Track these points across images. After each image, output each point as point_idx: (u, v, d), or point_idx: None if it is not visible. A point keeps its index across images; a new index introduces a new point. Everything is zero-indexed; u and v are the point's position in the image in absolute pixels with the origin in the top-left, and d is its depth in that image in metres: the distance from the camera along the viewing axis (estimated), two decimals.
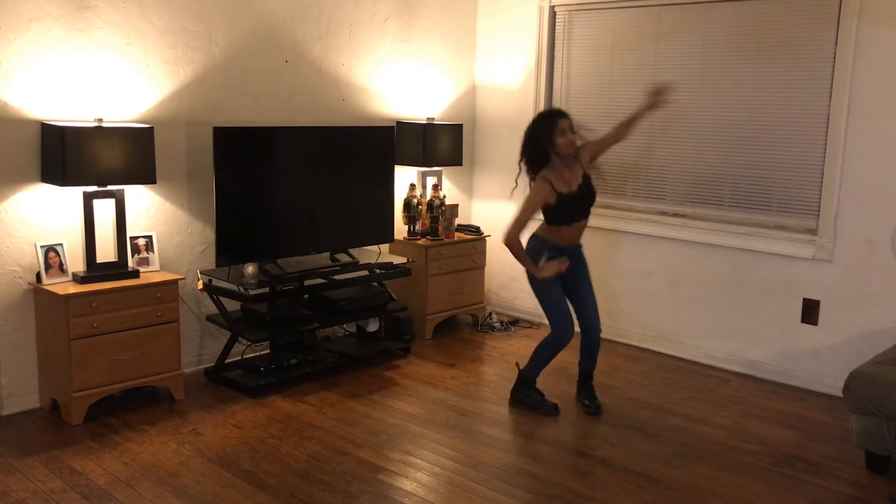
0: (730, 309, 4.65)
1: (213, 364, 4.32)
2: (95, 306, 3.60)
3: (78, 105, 3.76)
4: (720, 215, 4.66)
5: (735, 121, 4.55)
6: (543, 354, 3.97)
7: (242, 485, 3.12)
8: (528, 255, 3.72)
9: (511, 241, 3.63)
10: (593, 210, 5.35)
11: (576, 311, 3.95)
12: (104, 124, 3.62)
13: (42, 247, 3.67)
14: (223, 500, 3.01)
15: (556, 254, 3.75)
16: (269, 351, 4.53)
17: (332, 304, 4.46)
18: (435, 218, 5.15)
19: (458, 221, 5.30)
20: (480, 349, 4.97)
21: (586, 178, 3.78)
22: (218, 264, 4.13)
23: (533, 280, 3.80)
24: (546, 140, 3.67)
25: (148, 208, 4.08)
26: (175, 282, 3.89)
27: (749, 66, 4.46)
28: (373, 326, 4.82)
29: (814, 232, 4.31)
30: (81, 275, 3.68)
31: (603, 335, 5.15)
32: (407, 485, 3.17)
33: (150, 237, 3.99)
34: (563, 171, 3.72)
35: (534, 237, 3.86)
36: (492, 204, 5.61)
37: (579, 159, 3.77)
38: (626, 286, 5.10)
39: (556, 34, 5.30)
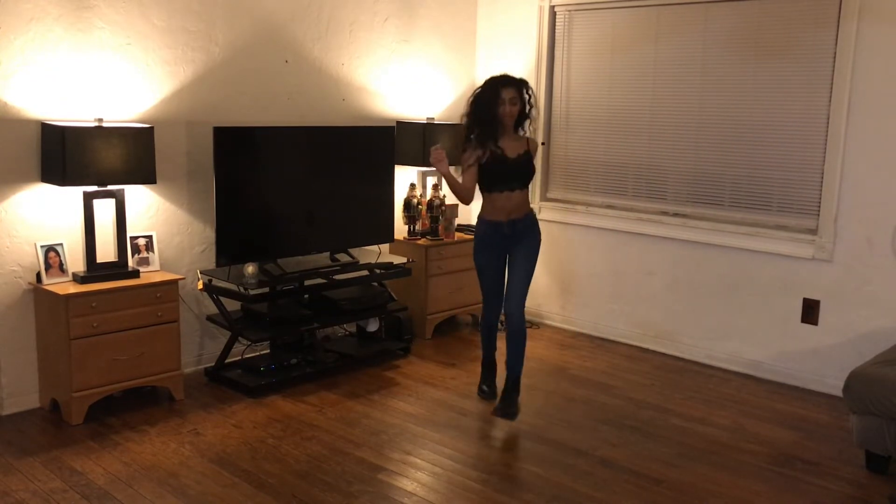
0: (730, 309, 4.65)
1: (213, 364, 4.31)
2: (95, 306, 3.60)
3: (78, 105, 3.76)
4: (720, 215, 4.66)
5: (735, 121, 4.55)
6: (481, 335, 4.11)
7: (242, 485, 3.12)
8: (475, 240, 3.92)
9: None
10: (595, 210, 5.35)
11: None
12: (104, 124, 3.63)
13: (42, 247, 3.67)
14: (223, 500, 3.01)
15: (493, 231, 3.79)
16: (269, 351, 4.53)
17: (332, 304, 4.46)
18: (435, 218, 5.15)
19: (458, 221, 5.30)
20: (480, 349, 4.96)
21: (527, 156, 3.78)
22: (218, 264, 4.13)
23: (474, 254, 3.92)
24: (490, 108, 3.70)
25: (148, 208, 4.08)
26: (175, 282, 3.89)
27: (749, 66, 4.46)
28: (373, 326, 4.82)
29: (814, 232, 4.31)
30: (81, 275, 3.68)
31: (604, 335, 5.21)
32: (407, 485, 3.17)
33: (150, 237, 3.99)
34: (506, 138, 3.74)
35: (477, 219, 3.92)
36: None
37: (529, 145, 3.81)
38: (626, 286, 5.10)
39: (556, 34, 5.30)
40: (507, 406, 3.76)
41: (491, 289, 3.92)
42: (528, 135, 3.87)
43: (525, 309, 3.85)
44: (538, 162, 5.39)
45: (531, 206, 3.93)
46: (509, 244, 3.83)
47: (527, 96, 3.72)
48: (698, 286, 4.77)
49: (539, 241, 3.89)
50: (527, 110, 3.76)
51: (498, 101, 3.65)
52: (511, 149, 3.72)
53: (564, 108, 5.33)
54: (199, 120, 4.18)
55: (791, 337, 4.42)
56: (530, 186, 3.92)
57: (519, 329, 3.81)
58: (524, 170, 3.76)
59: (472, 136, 3.72)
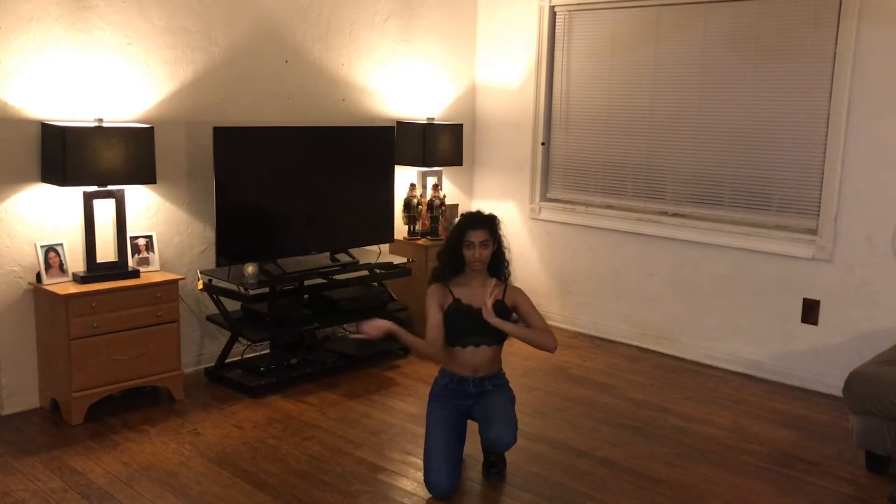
0: (730, 309, 4.65)
1: (213, 364, 4.32)
2: (95, 306, 3.60)
3: (78, 105, 3.76)
4: (720, 215, 4.66)
5: (735, 121, 4.55)
6: None
7: (242, 485, 3.12)
8: (432, 389, 3.32)
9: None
10: (595, 210, 5.33)
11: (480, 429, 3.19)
12: (104, 124, 3.62)
13: (42, 247, 3.67)
14: (223, 500, 3.01)
15: (456, 386, 3.22)
16: (269, 351, 4.53)
17: (332, 304, 4.46)
18: (435, 218, 5.15)
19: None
20: None
21: (499, 304, 3.17)
22: (218, 264, 4.13)
23: (428, 404, 3.29)
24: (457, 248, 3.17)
25: (148, 208, 4.08)
26: (175, 282, 3.89)
27: (749, 66, 4.46)
28: None
29: (814, 232, 4.31)
30: (81, 275, 3.68)
31: (604, 335, 5.22)
32: (407, 485, 3.18)
33: (150, 237, 3.99)
34: (471, 283, 3.20)
35: (440, 369, 3.34)
36: (492, 204, 5.61)
37: (507, 292, 3.23)
38: (626, 286, 5.10)
39: (556, 34, 5.30)
40: (501, 469, 3.30)
41: (439, 450, 3.09)
42: (508, 280, 3.28)
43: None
44: (537, 163, 5.42)
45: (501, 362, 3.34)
46: (473, 403, 3.21)
47: (500, 234, 3.21)
48: (698, 286, 4.77)
49: (513, 396, 3.29)
50: (501, 250, 3.24)
51: (463, 245, 3.13)
52: (478, 296, 3.14)
53: (564, 108, 5.33)
54: (199, 120, 4.17)
55: (791, 337, 4.42)
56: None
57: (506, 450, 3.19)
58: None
59: (435, 281, 3.27)
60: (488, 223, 3.18)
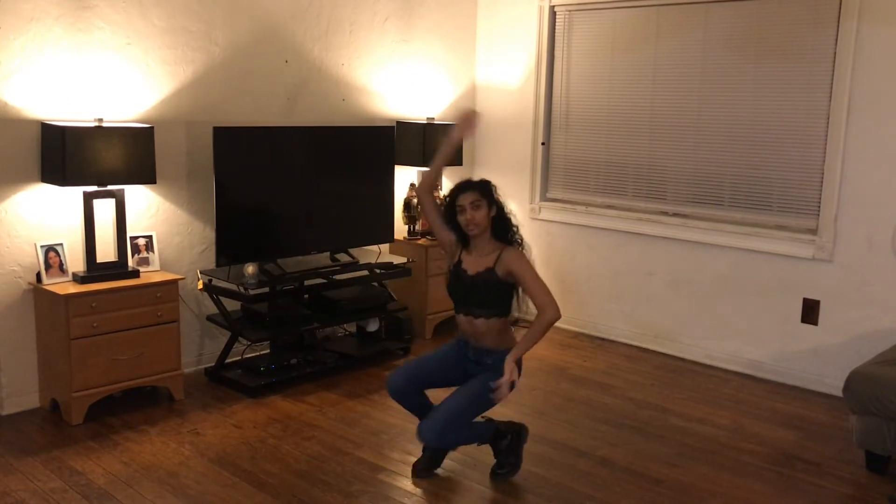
0: (730, 309, 4.65)
1: (213, 364, 4.32)
2: (95, 306, 3.60)
3: (78, 105, 3.76)
4: (720, 215, 4.66)
5: (735, 121, 4.55)
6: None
7: (242, 485, 3.12)
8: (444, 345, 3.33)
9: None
10: (595, 210, 5.32)
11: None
12: (104, 124, 3.62)
13: (42, 247, 3.67)
14: (223, 500, 3.01)
15: (463, 344, 3.23)
16: (269, 351, 4.53)
17: (332, 304, 4.46)
18: None
19: None
20: None
21: (490, 275, 3.08)
22: (218, 264, 4.13)
23: None
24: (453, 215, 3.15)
25: (148, 208, 4.08)
26: (175, 282, 3.89)
27: (749, 66, 4.46)
28: (373, 326, 4.82)
29: (814, 232, 4.31)
30: (81, 275, 3.68)
31: (604, 335, 5.22)
32: (407, 485, 3.18)
33: (150, 237, 3.99)
34: (475, 251, 3.15)
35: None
36: None
37: (500, 258, 3.08)
38: (626, 286, 5.10)
39: (556, 34, 5.30)
40: (508, 472, 3.25)
41: (419, 359, 3.29)
42: (519, 245, 3.16)
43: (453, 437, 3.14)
44: (537, 163, 5.42)
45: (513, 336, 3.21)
46: (471, 369, 3.19)
47: (495, 197, 3.12)
48: (698, 286, 4.77)
49: (493, 387, 3.02)
50: (503, 215, 3.14)
51: (457, 210, 3.08)
52: (475, 264, 3.10)
53: (564, 108, 5.33)
54: (199, 120, 4.18)
55: (791, 337, 4.42)
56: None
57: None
58: (482, 293, 3.07)
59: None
60: (477, 186, 3.11)
